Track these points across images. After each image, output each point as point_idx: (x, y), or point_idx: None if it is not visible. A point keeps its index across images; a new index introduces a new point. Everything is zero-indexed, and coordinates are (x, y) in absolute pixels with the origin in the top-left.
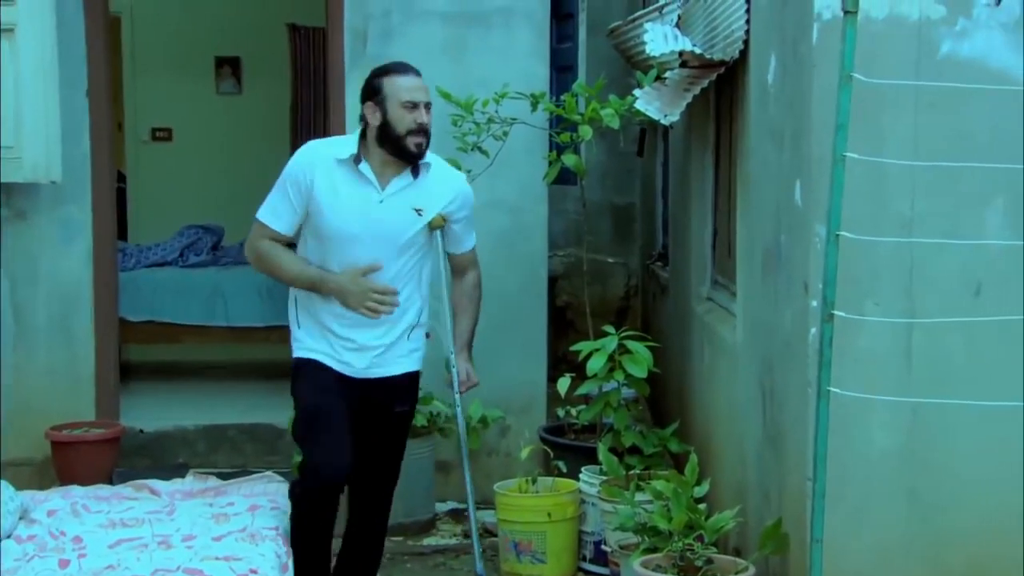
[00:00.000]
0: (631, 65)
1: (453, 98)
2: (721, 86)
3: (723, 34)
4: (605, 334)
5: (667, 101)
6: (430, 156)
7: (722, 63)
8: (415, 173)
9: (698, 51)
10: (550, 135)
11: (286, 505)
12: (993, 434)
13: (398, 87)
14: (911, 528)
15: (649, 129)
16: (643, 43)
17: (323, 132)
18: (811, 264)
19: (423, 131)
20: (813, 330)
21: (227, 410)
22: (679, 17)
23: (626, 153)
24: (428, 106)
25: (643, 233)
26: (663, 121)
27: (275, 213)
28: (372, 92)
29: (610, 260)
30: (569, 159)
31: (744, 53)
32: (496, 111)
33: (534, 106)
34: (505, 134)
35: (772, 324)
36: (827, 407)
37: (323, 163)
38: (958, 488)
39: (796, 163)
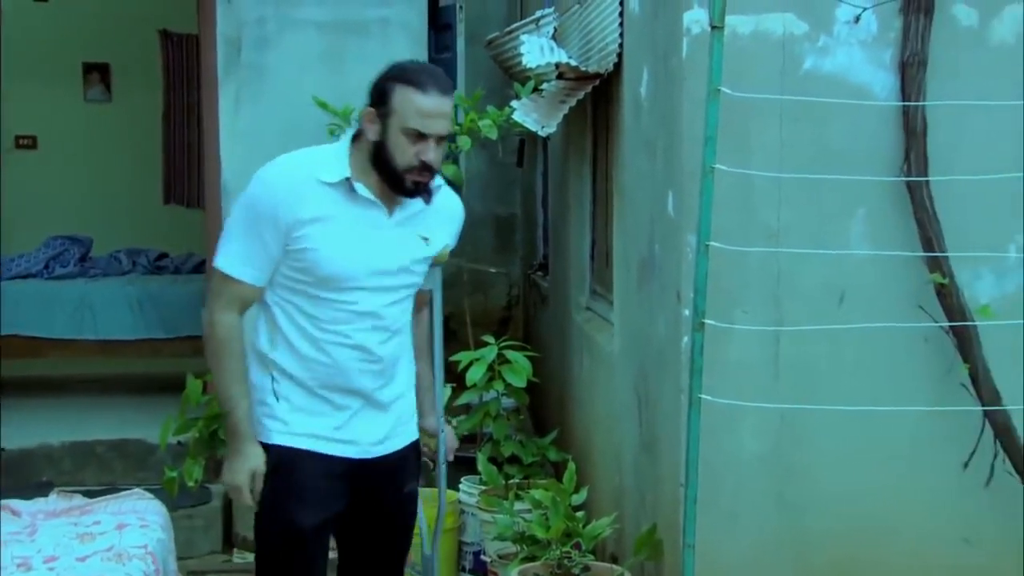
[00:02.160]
0: (509, 76)
1: (330, 107)
2: (597, 98)
3: (598, 47)
4: (486, 344)
5: (544, 112)
6: (440, 180)
7: (597, 75)
8: (427, 198)
9: (574, 63)
10: None
11: (155, 522)
12: (855, 439)
13: (411, 106)
14: (779, 531)
15: (528, 140)
16: (520, 55)
17: (196, 141)
18: (683, 273)
19: (427, 169)
20: (685, 338)
21: (95, 426)
22: (555, 29)
23: (506, 164)
24: (441, 140)
25: (524, 243)
26: (540, 132)
27: (246, 260)
28: (378, 98)
29: (492, 270)
30: (448, 169)
31: (618, 66)
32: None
33: None
34: None
35: (647, 333)
36: (698, 414)
37: (307, 188)
38: (822, 491)
39: (668, 174)
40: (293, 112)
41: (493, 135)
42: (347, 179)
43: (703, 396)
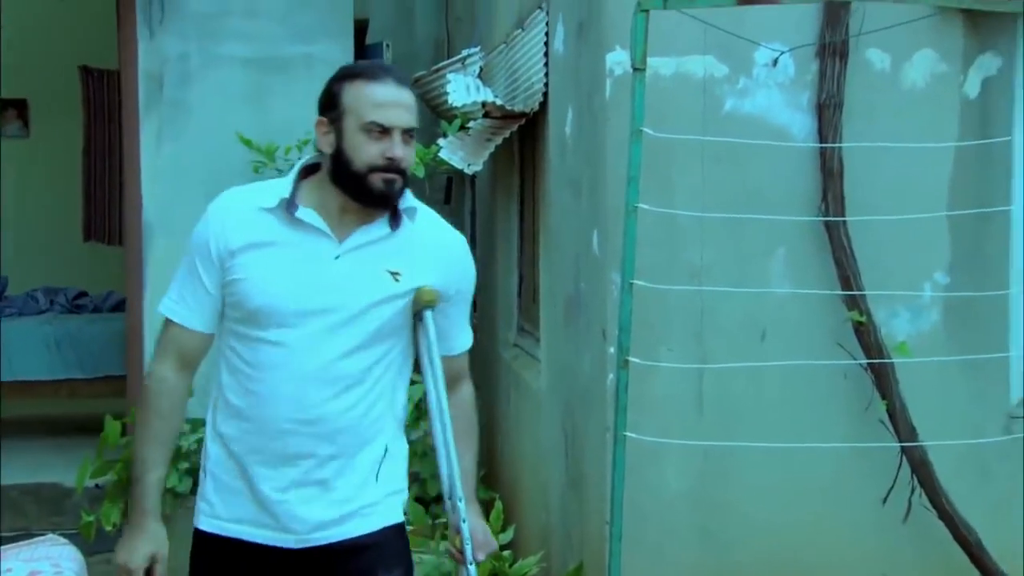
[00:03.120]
0: (436, 114)
1: (254, 145)
2: (524, 136)
3: (524, 86)
4: (413, 382)
5: (471, 151)
6: (414, 200)
7: (523, 115)
8: (394, 223)
9: (499, 102)
10: None
11: (70, 569)
12: (777, 474)
13: (365, 99)
14: (704, 566)
15: (456, 178)
16: (446, 93)
17: (117, 177)
18: (608, 311)
19: (396, 169)
20: (611, 376)
21: (9, 469)
22: (481, 68)
23: (434, 201)
24: (410, 133)
25: None
26: (467, 170)
27: (182, 301)
28: (327, 103)
29: None
30: None
31: (544, 105)
32: (299, 158)
33: None
34: None
35: (573, 370)
36: (623, 451)
37: (241, 215)
38: (746, 526)
39: (593, 213)
40: (217, 149)
41: (420, 173)
42: (285, 201)
43: (628, 433)
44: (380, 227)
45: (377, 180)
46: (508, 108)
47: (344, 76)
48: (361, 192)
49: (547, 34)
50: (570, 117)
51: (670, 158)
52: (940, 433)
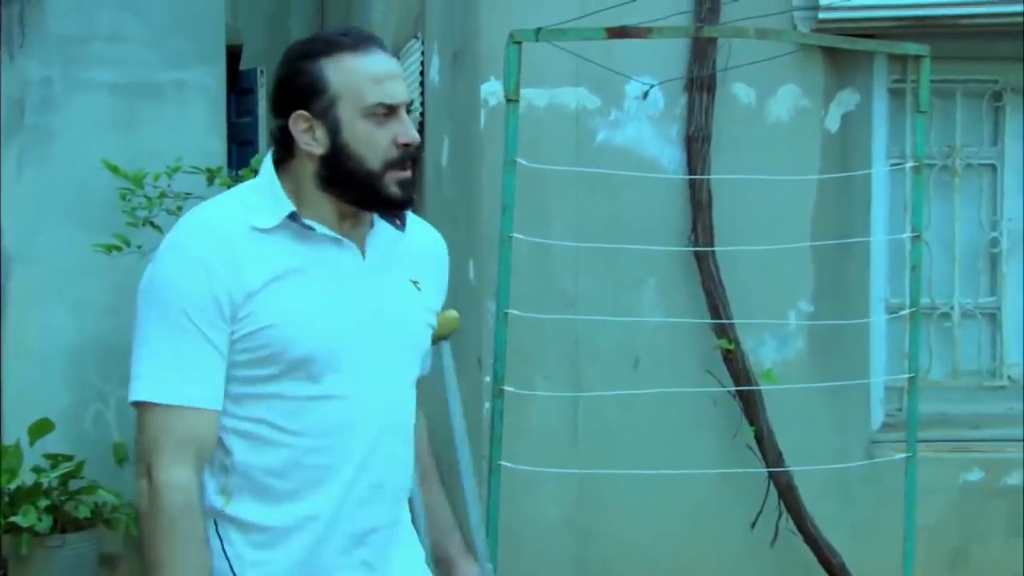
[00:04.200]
0: None
1: (122, 171)
2: None
3: None
4: None
5: None
6: None
7: None
8: (401, 221)
9: None
10: None
11: None
12: (650, 501)
13: (361, 75)
14: None
15: None
16: None
17: None
18: (484, 340)
19: (411, 158)
20: (486, 405)
21: None
22: None
23: None
24: (410, 107)
25: None
26: None
27: (186, 377)
28: (306, 91)
29: None
30: None
31: (421, 133)
32: (169, 185)
33: (210, 180)
34: (180, 208)
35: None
36: (499, 481)
37: (243, 243)
38: (620, 553)
39: (469, 242)
40: (82, 176)
41: None
42: (292, 216)
43: (503, 463)
44: (386, 228)
45: (392, 183)
46: None
47: (317, 52)
48: (374, 198)
49: (423, 63)
50: (446, 146)
51: (545, 188)
52: (805, 458)
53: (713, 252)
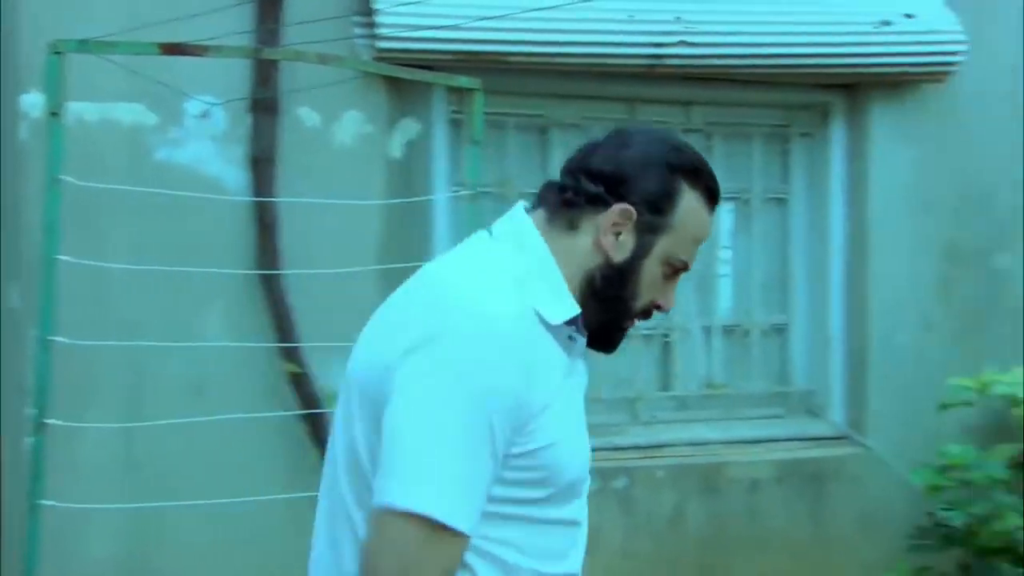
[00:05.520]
0: None
1: None
2: None
3: None
4: None
5: None
6: None
7: None
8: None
9: None
10: None
11: None
12: (213, 531)
13: (697, 227)
14: None
15: None
16: None
17: None
18: (28, 370)
19: (645, 319)
20: (30, 440)
21: None
22: None
23: None
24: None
25: None
26: None
27: (473, 496)
28: (649, 196)
29: None
30: None
31: None
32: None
33: None
34: None
35: None
36: (38, 521)
37: (541, 339)
38: None
39: (13, 265)
40: None
41: None
42: (579, 316)
43: (46, 501)
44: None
45: (620, 332)
46: None
47: (686, 172)
48: (604, 332)
49: None
50: None
51: (99, 208)
52: None
53: (281, 275)
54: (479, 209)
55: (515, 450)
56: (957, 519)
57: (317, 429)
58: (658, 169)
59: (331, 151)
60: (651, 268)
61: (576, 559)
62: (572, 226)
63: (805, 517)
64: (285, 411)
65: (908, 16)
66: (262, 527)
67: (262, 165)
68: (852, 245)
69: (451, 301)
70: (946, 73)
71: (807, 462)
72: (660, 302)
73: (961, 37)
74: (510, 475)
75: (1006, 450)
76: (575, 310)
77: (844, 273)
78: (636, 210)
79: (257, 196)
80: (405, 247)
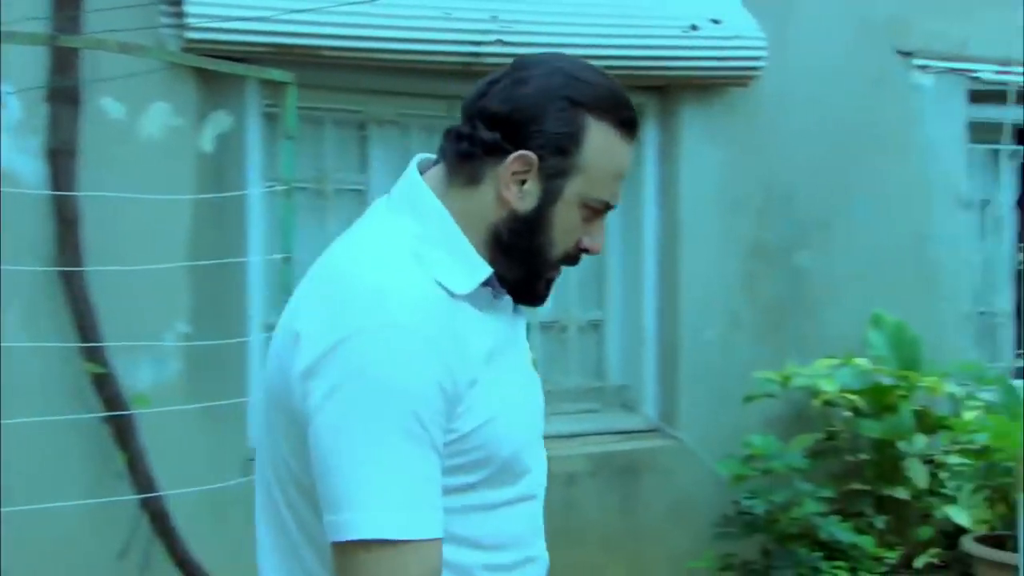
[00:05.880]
0: None
1: None
2: None
3: None
4: None
5: None
6: None
7: None
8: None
9: None
10: None
11: None
12: (8, 540)
13: (612, 160)
14: None
15: None
16: None
17: None
18: None
19: (574, 263)
20: None
21: None
22: None
23: None
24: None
25: None
26: None
27: (421, 500)
28: (550, 138)
29: None
30: None
31: None
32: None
33: None
34: None
35: None
36: None
37: (455, 314)
38: None
39: None
40: None
41: None
42: (491, 278)
43: None
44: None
45: (545, 279)
46: None
47: (589, 105)
48: (524, 285)
49: None
50: None
51: None
52: (183, 481)
53: (82, 273)
54: (293, 204)
55: (448, 437)
56: (759, 507)
57: (122, 432)
58: (559, 106)
59: (137, 144)
60: (565, 213)
61: (534, 539)
62: (473, 180)
63: (618, 509)
64: (88, 413)
65: (715, 22)
66: (62, 534)
67: (62, 157)
68: (664, 244)
69: (349, 296)
70: (750, 77)
71: (620, 455)
72: (586, 245)
73: (763, 43)
74: (446, 463)
75: (805, 440)
76: (484, 272)
77: (657, 271)
78: (539, 155)
79: (56, 190)
80: (218, 243)
